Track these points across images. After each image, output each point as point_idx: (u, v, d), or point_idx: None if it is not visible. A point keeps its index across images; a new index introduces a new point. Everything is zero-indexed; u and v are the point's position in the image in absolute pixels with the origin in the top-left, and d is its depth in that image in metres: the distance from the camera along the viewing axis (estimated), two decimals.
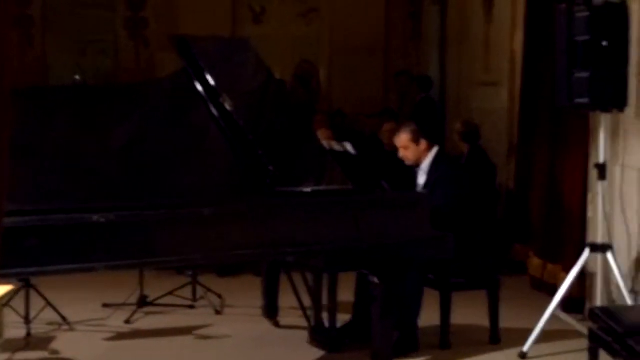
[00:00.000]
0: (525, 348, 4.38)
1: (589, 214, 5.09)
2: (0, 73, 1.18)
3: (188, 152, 4.11)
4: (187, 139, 4.16)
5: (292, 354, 4.48)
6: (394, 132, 5.16)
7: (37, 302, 4.84)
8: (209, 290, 5.57)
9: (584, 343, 3.91)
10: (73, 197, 3.73)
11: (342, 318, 4.65)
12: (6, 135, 1.24)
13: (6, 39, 1.21)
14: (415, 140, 4.63)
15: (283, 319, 5.06)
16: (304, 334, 4.71)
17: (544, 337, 4.42)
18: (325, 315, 4.62)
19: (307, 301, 4.83)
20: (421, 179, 4.67)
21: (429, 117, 7.65)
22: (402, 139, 4.67)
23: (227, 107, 4.14)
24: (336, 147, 4.60)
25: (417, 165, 4.68)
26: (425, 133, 4.73)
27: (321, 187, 4.24)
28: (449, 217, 4.37)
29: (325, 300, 4.63)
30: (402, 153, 4.69)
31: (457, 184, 4.63)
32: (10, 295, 4.10)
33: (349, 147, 4.46)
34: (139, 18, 8.85)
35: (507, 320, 4.79)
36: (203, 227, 3.74)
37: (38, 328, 4.79)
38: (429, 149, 4.67)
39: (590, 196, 5.10)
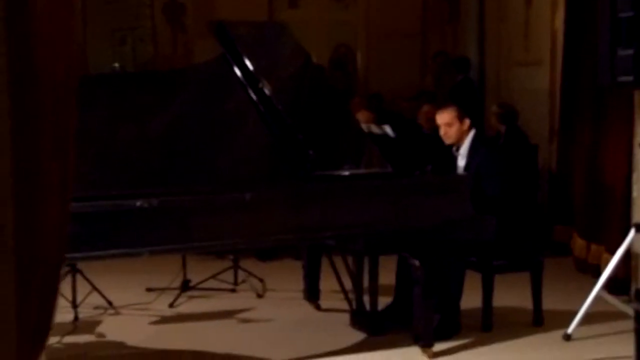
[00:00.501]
0: (570, 330, 4.34)
1: (634, 193, 5.00)
2: (69, 66, 1.20)
3: (227, 137, 4.13)
4: (226, 124, 4.17)
5: (333, 337, 4.50)
6: (432, 113, 5.10)
7: (83, 287, 4.94)
8: (250, 274, 5.62)
9: (629, 324, 3.86)
10: (115, 183, 3.78)
11: (384, 301, 4.66)
12: (74, 122, 1.26)
13: (72, 36, 1.23)
14: (460, 117, 4.58)
15: (324, 302, 5.09)
16: (345, 317, 4.73)
17: (588, 318, 4.37)
18: (366, 298, 4.63)
19: (348, 284, 4.85)
20: (461, 162, 4.63)
21: (467, 99, 7.57)
22: (447, 116, 4.58)
23: (266, 91, 4.15)
24: (375, 129, 4.58)
25: (456, 144, 4.63)
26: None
27: (360, 171, 4.23)
28: (496, 201, 4.35)
29: (366, 283, 4.64)
30: (444, 130, 4.60)
31: (501, 167, 4.60)
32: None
33: (388, 129, 4.44)
34: (176, 4, 8.90)
35: (551, 302, 4.74)
36: (244, 212, 3.77)
37: (85, 312, 4.89)
38: (469, 130, 4.63)
39: (634, 176, 5.01)
